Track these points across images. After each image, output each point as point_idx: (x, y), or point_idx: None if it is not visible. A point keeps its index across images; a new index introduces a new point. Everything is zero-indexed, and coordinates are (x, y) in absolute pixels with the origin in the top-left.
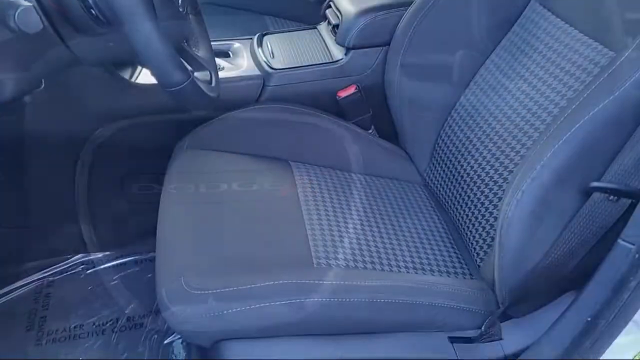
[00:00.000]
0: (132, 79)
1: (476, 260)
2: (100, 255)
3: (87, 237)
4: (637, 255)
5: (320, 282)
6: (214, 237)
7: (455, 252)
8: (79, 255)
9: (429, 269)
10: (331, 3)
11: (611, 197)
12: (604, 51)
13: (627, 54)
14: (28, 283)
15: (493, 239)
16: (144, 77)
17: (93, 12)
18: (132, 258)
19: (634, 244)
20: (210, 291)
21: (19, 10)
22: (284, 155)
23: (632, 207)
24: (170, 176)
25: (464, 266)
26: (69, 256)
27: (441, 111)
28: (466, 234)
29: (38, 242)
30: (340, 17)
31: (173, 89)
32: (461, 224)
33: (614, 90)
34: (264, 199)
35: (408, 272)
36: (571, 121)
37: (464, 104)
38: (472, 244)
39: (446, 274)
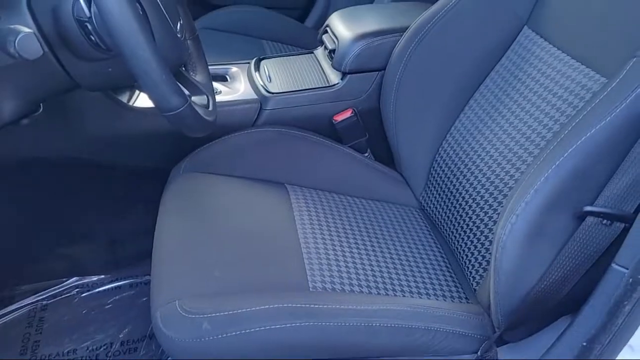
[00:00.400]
0: (130, 103)
1: (472, 284)
2: (95, 278)
3: (82, 260)
4: (630, 280)
5: (316, 305)
6: (209, 261)
7: (451, 276)
8: (74, 279)
9: (425, 292)
10: (328, 28)
11: (605, 221)
12: (596, 77)
13: (618, 79)
14: (22, 307)
15: (489, 262)
16: (142, 100)
17: (93, 38)
18: (127, 281)
19: (627, 268)
20: (205, 315)
21: (19, 37)
22: (280, 179)
23: (625, 231)
24: (167, 199)
25: (460, 290)
26: (63, 279)
27: (436, 135)
28: (462, 257)
29: (32, 265)
30: (336, 42)
31: (171, 113)
32: (457, 248)
33: (605, 115)
34: (260, 222)
35: (404, 296)
36: (564, 146)
37: (458, 128)
38: (468, 267)
39: (442, 298)
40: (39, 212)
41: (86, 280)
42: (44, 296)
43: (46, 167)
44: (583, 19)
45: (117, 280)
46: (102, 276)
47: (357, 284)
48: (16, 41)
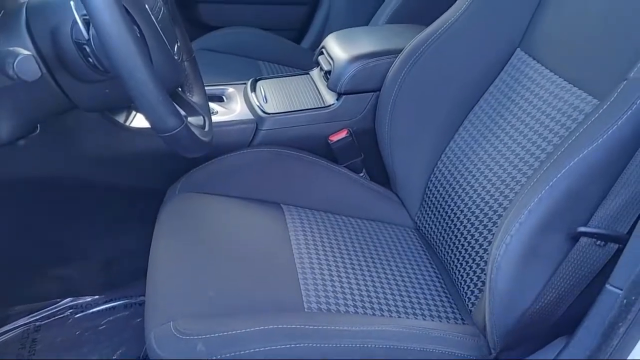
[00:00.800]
0: (127, 123)
1: (467, 305)
2: (89, 299)
3: (76, 281)
4: (625, 301)
5: (311, 327)
6: (204, 281)
7: (447, 297)
8: (68, 299)
9: (420, 313)
10: (323, 50)
11: (598, 241)
12: (588, 99)
13: (609, 102)
14: (15, 327)
15: (484, 283)
16: (139, 121)
17: (90, 60)
18: (121, 302)
19: (621, 289)
20: (199, 336)
21: (18, 59)
22: (276, 199)
23: (619, 252)
24: (162, 219)
25: (456, 311)
26: (57, 300)
27: (431, 155)
28: (457, 278)
29: (26, 286)
30: (332, 64)
31: (167, 134)
32: (452, 268)
33: (597, 137)
34: (255, 242)
35: (400, 317)
36: (557, 167)
37: (453, 149)
38: (463, 288)
39: (438, 319)
40: (33, 233)
41: (80, 300)
42: (37, 317)
43: (42, 188)
44: (574, 42)
45: (111, 300)
46: (96, 297)
47: (352, 304)
48: (15, 63)
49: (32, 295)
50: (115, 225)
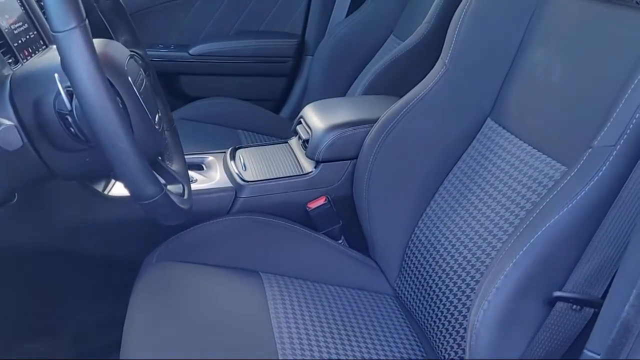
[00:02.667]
0: (106, 191)
1: None
2: None
3: (44, 355)
4: None
5: None
6: (180, 355)
7: None
8: None
9: None
10: (302, 119)
11: (574, 306)
12: (557, 165)
13: (576, 169)
14: None
15: (464, 351)
16: (117, 189)
17: (72, 130)
18: None
19: (599, 354)
20: None
21: (0, 129)
22: (254, 266)
23: (595, 316)
24: (138, 290)
25: None
26: None
27: (409, 222)
28: (437, 346)
29: None
30: (310, 133)
31: (146, 202)
32: (432, 336)
33: (567, 202)
34: (233, 313)
35: None
36: (530, 232)
37: (430, 215)
38: (444, 356)
39: None
40: (1, 304)
41: None
42: None
43: (14, 257)
44: (540, 111)
45: None
46: None
47: None
48: None
49: None
50: (89, 296)
